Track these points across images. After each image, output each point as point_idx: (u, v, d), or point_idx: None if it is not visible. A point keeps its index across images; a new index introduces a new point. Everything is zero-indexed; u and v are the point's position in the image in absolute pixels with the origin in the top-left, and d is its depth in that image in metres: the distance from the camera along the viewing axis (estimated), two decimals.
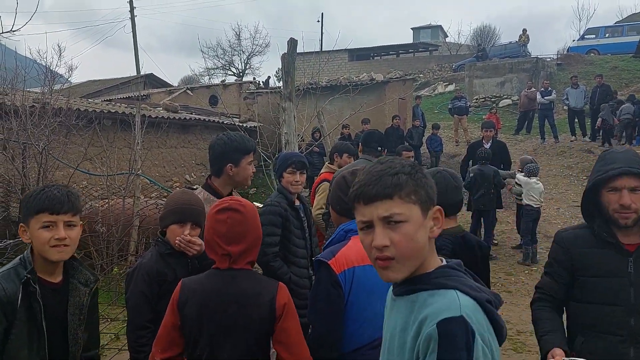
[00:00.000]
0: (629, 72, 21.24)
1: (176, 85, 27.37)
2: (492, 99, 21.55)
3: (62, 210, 1.85)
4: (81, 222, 1.99)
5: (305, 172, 3.29)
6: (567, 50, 27.24)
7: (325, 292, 1.97)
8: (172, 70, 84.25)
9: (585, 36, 26.75)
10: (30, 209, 1.84)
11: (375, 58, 36.79)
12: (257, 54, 38.47)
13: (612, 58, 23.39)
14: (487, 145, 7.57)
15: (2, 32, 3.33)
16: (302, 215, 3.30)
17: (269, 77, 30.55)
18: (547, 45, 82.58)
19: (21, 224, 1.90)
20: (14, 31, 3.28)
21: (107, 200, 6.39)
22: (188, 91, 17.87)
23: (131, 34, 30.65)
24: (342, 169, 4.27)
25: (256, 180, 12.95)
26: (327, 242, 2.20)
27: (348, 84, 12.62)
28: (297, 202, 3.31)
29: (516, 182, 7.60)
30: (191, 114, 13.08)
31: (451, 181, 2.40)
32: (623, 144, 13.21)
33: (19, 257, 1.88)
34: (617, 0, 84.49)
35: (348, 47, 32.57)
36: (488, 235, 7.44)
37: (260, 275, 2.03)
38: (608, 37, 25.41)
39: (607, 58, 23.72)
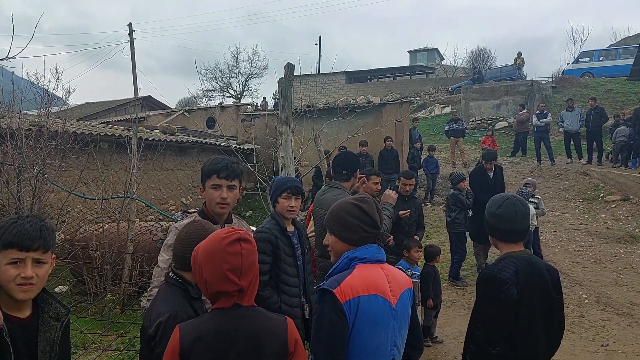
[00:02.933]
0: (623, 94, 21.46)
1: (174, 107, 27.50)
2: (488, 121, 21.71)
3: (32, 247, 1.72)
4: (54, 255, 1.87)
5: (300, 197, 3.22)
6: (562, 73, 27.55)
7: (330, 321, 1.94)
8: (170, 92, 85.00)
9: (580, 59, 27.09)
10: None
11: (372, 80, 37.13)
12: (255, 76, 38.83)
13: (606, 81, 23.67)
14: (490, 174, 7.57)
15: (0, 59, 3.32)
16: (296, 241, 3.20)
17: (264, 98, 30.72)
18: (542, 68, 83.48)
19: None
20: (9, 58, 3.28)
21: (101, 224, 6.33)
22: (185, 113, 17.93)
23: (130, 56, 30.82)
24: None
25: (252, 203, 12.92)
26: (331, 270, 2.14)
27: (345, 106, 12.68)
28: (292, 228, 3.22)
29: None
30: (188, 136, 13.09)
31: (521, 208, 2.40)
32: (619, 166, 13.27)
33: None
34: (611, 24, 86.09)
35: (345, 70, 32.94)
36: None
37: (266, 311, 1.92)
38: (602, 60, 25.74)
39: (601, 81, 24.00)
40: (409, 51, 44.17)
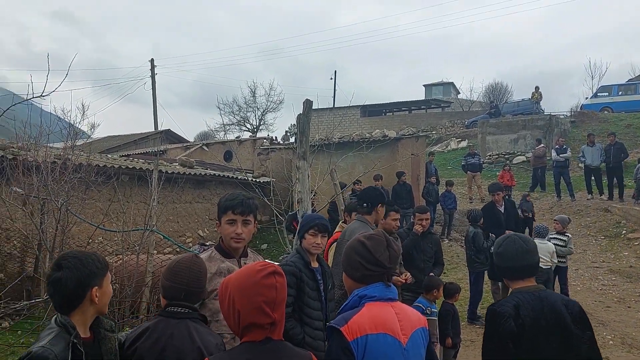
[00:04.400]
0: None
1: (192, 140, 27.95)
2: (506, 156, 21.60)
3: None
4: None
5: (327, 235, 3.36)
6: (581, 108, 27.45)
7: (337, 359, 1.94)
8: (189, 125, 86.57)
9: (599, 94, 27.01)
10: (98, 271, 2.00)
11: (388, 114, 37.39)
12: (271, 110, 39.39)
13: (626, 116, 23.49)
14: (501, 208, 7.50)
15: (34, 97, 3.49)
16: (319, 277, 3.28)
17: (286, 132, 31.09)
18: (559, 102, 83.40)
19: (96, 287, 1.97)
20: (44, 96, 3.44)
21: (121, 256, 6.40)
22: (204, 147, 18.23)
23: (151, 91, 31.63)
24: (345, 230, 4.28)
25: (267, 236, 12.94)
26: (341, 308, 2.16)
27: (361, 140, 12.78)
28: (316, 265, 3.32)
29: None
30: (206, 169, 13.27)
31: (521, 245, 2.47)
32: None
33: (54, 320, 1.92)
34: (630, 58, 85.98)
35: (360, 104, 33.27)
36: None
37: (293, 346, 1.94)
38: (621, 95, 25.63)
39: (621, 116, 23.84)
40: (424, 85, 44.50)
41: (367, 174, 10.44)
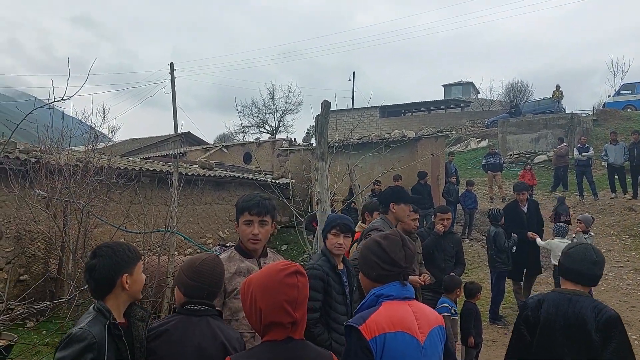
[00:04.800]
0: None
1: (212, 143, 28.20)
2: (527, 155, 21.31)
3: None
4: None
5: (349, 235, 3.27)
6: (603, 106, 26.95)
7: (356, 358, 1.94)
8: (208, 128, 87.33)
9: (621, 92, 26.49)
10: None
11: (407, 115, 37.19)
12: (290, 112, 39.53)
13: None
14: (524, 208, 7.38)
15: (55, 100, 3.56)
16: (345, 279, 3.22)
17: (307, 132, 31.08)
18: (581, 101, 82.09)
19: (126, 274, 2.12)
20: (64, 100, 3.51)
21: (142, 258, 6.48)
22: (223, 149, 18.36)
23: (170, 94, 31.98)
24: (366, 229, 4.26)
25: (287, 237, 12.98)
26: (359, 307, 2.17)
27: (380, 140, 12.74)
28: (342, 266, 3.25)
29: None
30: (226, 171, 13.37)
31: (592, 255, 2.66)
32: None
33: (92, 307, 2.10)
34: None
35: (379, 105, 33.17)
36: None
37: (313, 345, 1.96)
38: None
39: None
40: (443, 85, 44.23)
41: (386, 175, 10.38)
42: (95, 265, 2.08)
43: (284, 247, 12.67)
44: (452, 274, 5.31)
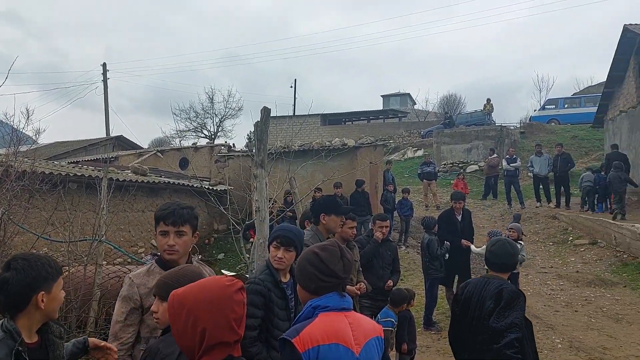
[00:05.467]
0: (588, 141, 22.30)
1: (146, 147, 27.23)
2: (460, 165, 22.17)
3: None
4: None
5: (291, 249, 3.03)
6: (530, 120, 28.57)
7: None
8: (143, 131, 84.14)
9: (546, 106, 28.20)
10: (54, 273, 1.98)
11: (347, 123, 37.73)
12: (229, 117, 38.87)
13: (572, 127, 24.62)
14: (459, 217, 7.60)
15: None
16: (290, 293, 3.05)
17: (250, 139, 30.68)
18: (510, 114, 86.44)
19: (43, 292, 1.92)
20: None
21: (67, 268, 6.08)
22: (158, 154, 17.76)
23: (102, 95, 30.70)
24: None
25: (225, 245, 12.72)
26: (295, 319, 2.15)
27: (320, 148, 12.79)
28: (287, 278, 3.07)
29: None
30: (160, 176, 12.93)
31: (509, 249, 3.39)
32: (586, 210, 13.61)
33: (1, 324, 1.88)
34: (575, 73, 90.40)
35: (320, 112, 33.39)
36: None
37: None
38: (567, 108, 26.88)
39: (567, 127, 24.96)
40: (382, 95, 45.23)
41: (327, 182, 10.43)
42: (7, 279, 1.86)
43: (221, 255, 12.42)
44: (405, 288, 5.40)
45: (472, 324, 3.30)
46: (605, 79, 17.68)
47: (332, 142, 16.15)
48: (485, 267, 7.58)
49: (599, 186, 13.35)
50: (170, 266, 2.57)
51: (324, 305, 2.04)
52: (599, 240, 11.57)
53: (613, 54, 15.69)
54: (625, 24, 14.50)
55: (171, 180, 12.48)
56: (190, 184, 12.40)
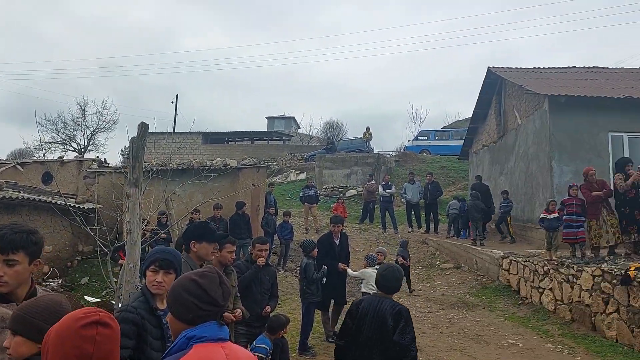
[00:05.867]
0: (455, 171, 24.38)
1: (4, 159, 24.39)
2: (340, 189, 22.91)
3: None
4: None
5: (172, 272, 2.85)
6: (404, 149, 30.54)
7: None
8: (2, 142, 75.32)
9: (419, 137, 30.44)
10: None
11: (230, 143, 37.30)
12: (103, 130, 36.34)
13: (441, 158, 26.77)
14: (337, 241, 7.77)
15: None
16: (166, 321, 2.79)
17: (123, 153, 28.82)
18: (386, 142, 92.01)
19: None
20: None
21: None
22: (18, 166, 15.97)
23: None
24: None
25: (90, 269, 11.70)
26: (167, 350, 1.96)
27: (201, 168, 12.40)
28: (163, 306, 2.81)
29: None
30: (19, 192, 11.59)
31: (397, 274, 3.99)
32: (452, 236, 14.74)
33: None
34: (445, 107, 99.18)
35: (202, 130, 32.63)
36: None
37: None
38: (437, 140, 29.27)
39: (437, 158, 27.09)
40: (267, 117, 45.49)
41: (206, 204, 10.09)
42: None
43: (85, 280, 11.38)
44: (281, 314, 5.30)
45: (370, 339, 3.74)
46: (471, 115, 19.13)
47: (214, 161, 15.77)
48: (361, 291, 8.06)
49: (463, 214, 14.55)
50: (7, 297, 2.26)
51: (200, 335, 1.89)
52: (462, 265, 12.55)
53: (478, 93, 17.10)
54: (489, 67, 16.01)
55: (31, 197, 11.23)
56: (54, 201, 11.27)
